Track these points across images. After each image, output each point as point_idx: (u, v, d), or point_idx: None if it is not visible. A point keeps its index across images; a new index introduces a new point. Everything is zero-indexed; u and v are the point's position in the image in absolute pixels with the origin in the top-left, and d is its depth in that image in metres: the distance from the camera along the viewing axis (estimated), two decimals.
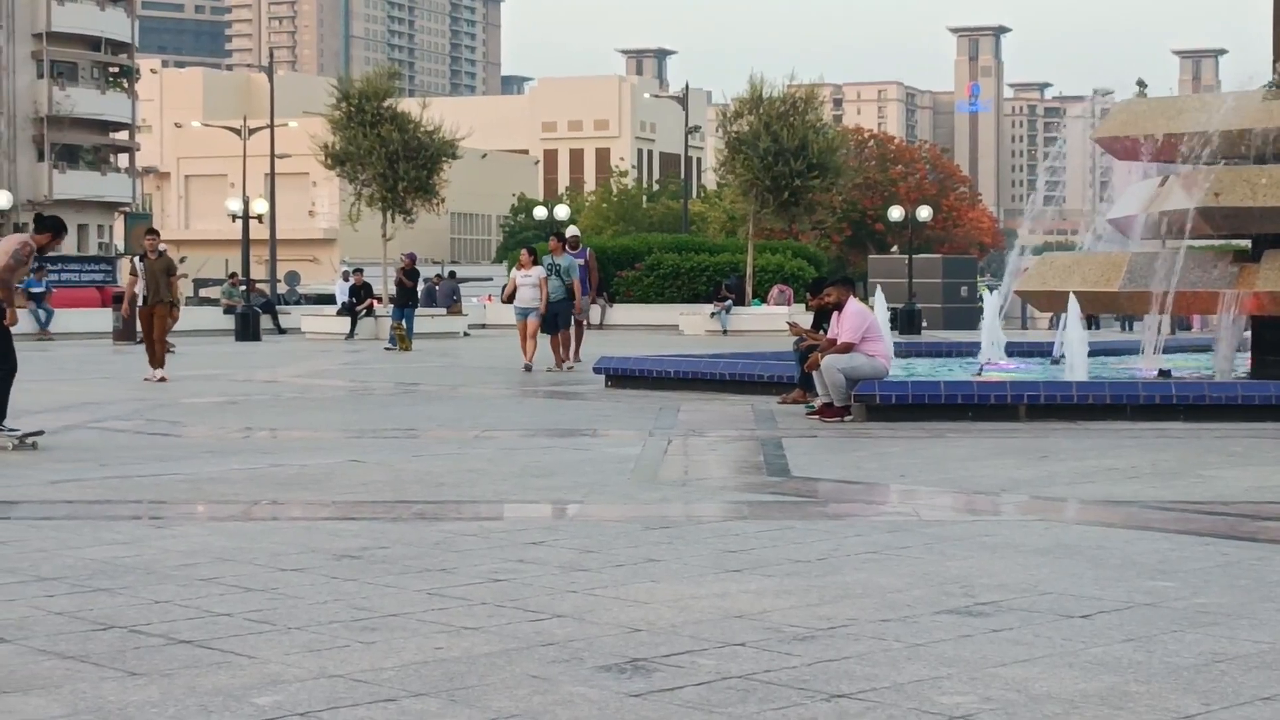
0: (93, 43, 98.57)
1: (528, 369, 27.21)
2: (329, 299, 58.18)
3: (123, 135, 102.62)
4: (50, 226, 16.54)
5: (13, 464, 13.91)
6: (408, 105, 48.79)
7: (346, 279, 47.97)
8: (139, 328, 27.91)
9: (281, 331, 48.40)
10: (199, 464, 13.89)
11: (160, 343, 25.53)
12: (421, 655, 6.73)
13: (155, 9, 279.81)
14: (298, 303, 64.06)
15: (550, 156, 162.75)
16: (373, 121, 46.76)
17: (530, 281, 27.91)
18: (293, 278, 78.12)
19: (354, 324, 44.25)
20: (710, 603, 7.86)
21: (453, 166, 49.03)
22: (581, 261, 30.89)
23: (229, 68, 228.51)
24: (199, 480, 12.80)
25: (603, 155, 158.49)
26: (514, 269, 29.50)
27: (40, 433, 15.84)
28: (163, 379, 24.80)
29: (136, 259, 26.61)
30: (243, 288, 52.06)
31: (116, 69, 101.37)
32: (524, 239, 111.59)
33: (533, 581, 8.38)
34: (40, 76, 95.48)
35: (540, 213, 62.62)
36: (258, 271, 56.07)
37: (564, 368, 27.74)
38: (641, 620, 7.44)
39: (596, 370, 23.90)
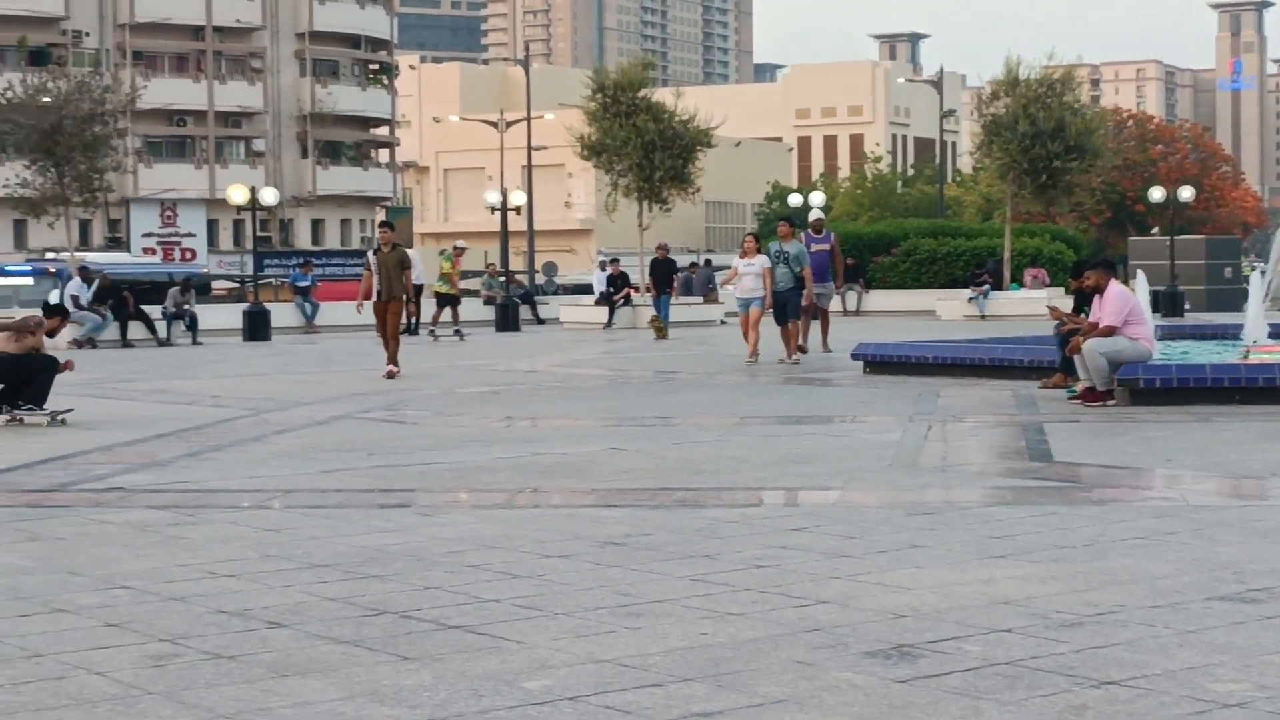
0: (353, 41, 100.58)
1: (751, 362, 26.06)
2: (586, 289, 58.67)
3: (383, 131, 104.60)
4: (58, 312, 18.53)
5: (284, 454, 14.26)
6: (662, 95, 49.01)
7: (604, 269, 48.33)
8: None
9: (540, 322, 48.91)
10: (463, 453, 14.11)
11: (394, 339, 24.50)
12: (687, 641, 6.78)
13: (413, 6, 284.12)
14: (555, 293, 64.70)
15: (804, 143, 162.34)
16: (628, 112, 47.02)
17: (753, 270, 26.26)
18: (550, 268, 78.95)
19: (611, 313, 44.57)
20: (974, 589, 7.81)
21: (707, 155, 49.13)
22: (826, 247, 29.55)
23: (485, 62, 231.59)
24: (464, 469, 13.00)
25: (856, 141, 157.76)
26: (736, 256, 27.91)
27: (70, 410, 16.53)
28: (391, 374, 24.07)
29: (370, 253, 25.37)
30: (501, 279, 52.69)
31: (376, 66, 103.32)
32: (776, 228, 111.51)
33: (796, 567, 8.39)
34: (303, 75, 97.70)
35: (795, 200, 62.48)
36: (516, 263, 56.72)
37: (793, 359, 26.00)
38: (906, 606, 7.41)
39: (854, 356, 23.80)
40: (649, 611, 7.39)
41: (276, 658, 6.62)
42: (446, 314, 41.66)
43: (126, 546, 9.42)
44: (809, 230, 29.67)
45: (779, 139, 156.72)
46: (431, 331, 40.20)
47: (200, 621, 7.33)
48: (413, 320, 40.83)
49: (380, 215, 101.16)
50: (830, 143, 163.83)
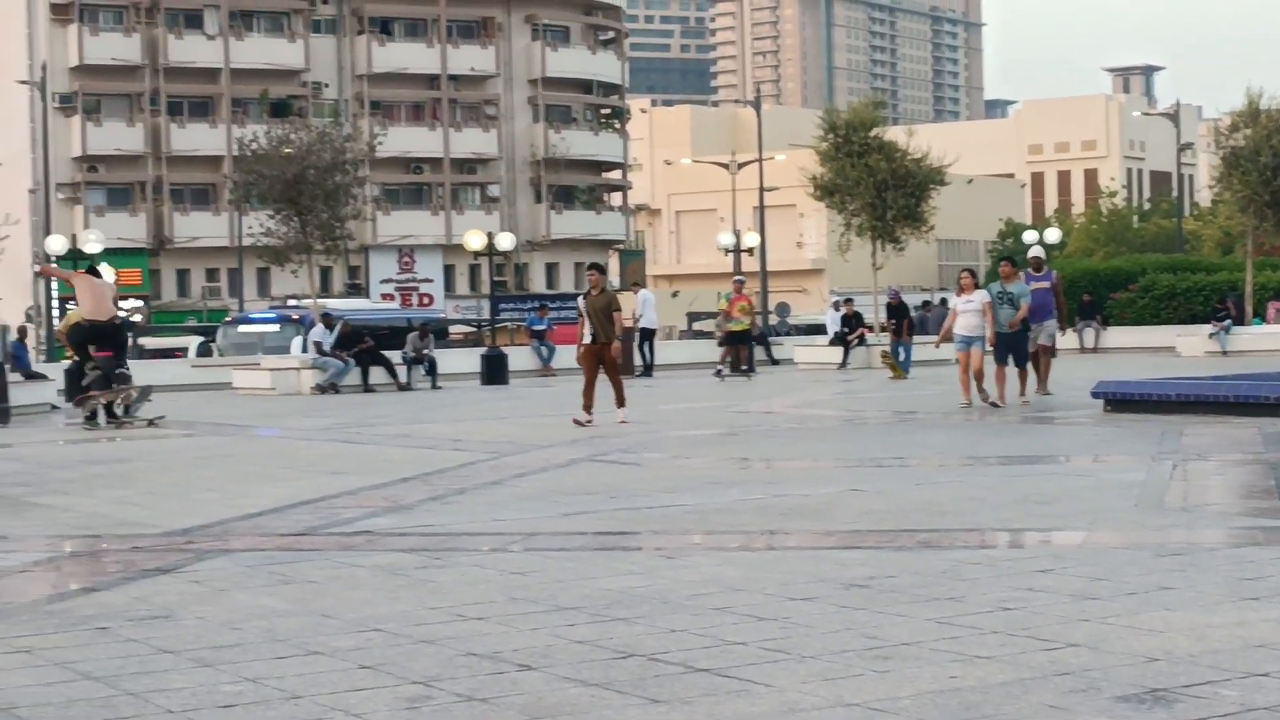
0: (585, 86, 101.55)
1: (966, 405, 24.86)
2: (819, 329, 58.55)
3: (615, 174, 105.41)
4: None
5: (529, 497, 14.41)
6: (894, 134, 48.88)
7: (837, 309, 48.22)
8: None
9: (775, 362, 48.89)
10: (702, 495, 14.16)
11: (616, 382, 23.97)
12: (936, 684, 6.74)
13: (643, 50, 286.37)
14: (788, 333, 64.66)
15: (1037, 179, 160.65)
16: (860, 152, 47.00)
17: (973, 307, 25.01)
18: (783, 309, 78.90)
19: (846, 353, 44.44)
20: (1228, 631, 7.67)
21: (940, 193, 48.89)
22: (1046, 285, 27.81)
23: (715, 104, 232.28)
24: (704, 511, 13.04)
25: (1091, 176, 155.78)
26: (953, 295, 26.54)
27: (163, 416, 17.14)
28: (590, 422, 23.23)
29: (581, 298, 24.38)
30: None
31: (608, 110, 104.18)
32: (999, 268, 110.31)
33: (1043, 610, 8.31)
34: (536, 121, 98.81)
35: (1029, 236, 61.88)
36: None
37: (1021, 401, 25.37)
38: (1158, 649, 7.31)
39: (1094, 395, 23.48)
40: (896, 654, 7.36)
41: (528, 700, 6.70)
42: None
43: (377, 589, 9.59)
44: (1029, 269, 28.44)
45: (1011, 175, 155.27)
46: (719, 371, 40.08)
47: (452, 664, 7.44)
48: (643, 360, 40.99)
49: (614, 258, 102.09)
50: (1064, 178, 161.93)
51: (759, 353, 47.73)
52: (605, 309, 23.70)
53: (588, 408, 23.36)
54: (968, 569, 9.69)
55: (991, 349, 25.26)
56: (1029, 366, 26.35)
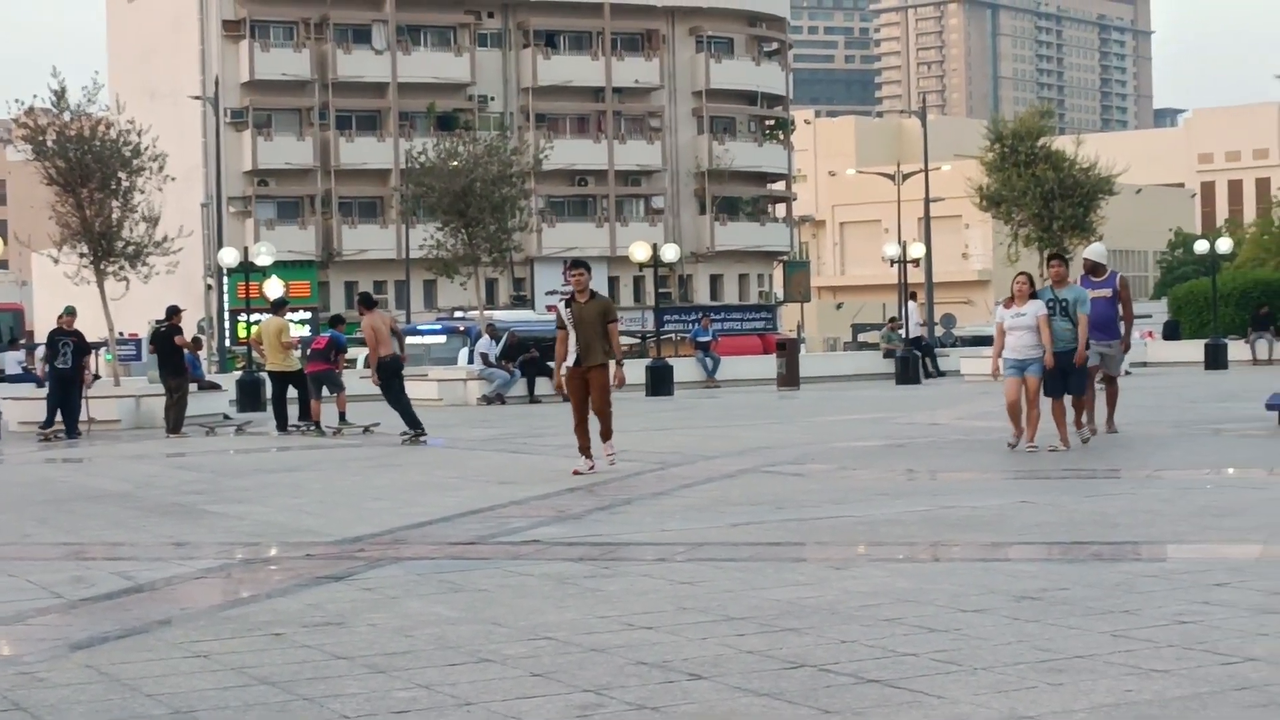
0: (749, 97, 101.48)
1: (1012, 446, 19.66)
2: (985, 340, 58.06)
3: (779, 185, 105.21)
4: None
5: (696, 508, 14.41)
6: (1061, 143, 48.39)
7: None
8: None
9: (940, 374, 48.56)
10: (871, 506, 14.09)
11: (602, 414, 18.43)
12: (1111, 697, 6.66)
13: (807, 61, 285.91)
14: (954, 345, 64.23)
15: (1207, 188, 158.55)
16: (1027, 161, 46.56)
17: (1025, 323, 19.45)
18: (949, 320, 78.40)
19: None
20: None
21: (1108, 203, 48.33)
22: (1108, 293, 21.83)
23: (879, 114, 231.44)
24: (873, 522, 12.97)
25: (1262, 185, 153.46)
26: (999, 307, 20.68)
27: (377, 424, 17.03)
28: (592, 468, 18.14)
29: (560, 305, 18.80)
30: (901, 332, 52.51)
31: (772, 121, 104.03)
32: (1182, 274, 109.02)
33: (1220, 624, 8.18)
34: (700, 133, 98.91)
35: (1201, 246, 61.03)
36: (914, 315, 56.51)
37: (1082, 438, 20.32)
38: None
39: (1269, 407, 23.06)
40: (1070, 667, 7.28)
41: (698, 709, 6.70)
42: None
43: (546, 598, 9.63)
44: (1085, 274, 22.24)
45: (1181, 184, 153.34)
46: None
47: (622, 672, 7.46)
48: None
49: (778, 269, 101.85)
50: (1235, 187, 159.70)
51: (925, 364, 47.47)
52: (598, 319, 18.35)
53: (585, 450, 18.36)
54: (1141, 582, 9.56)
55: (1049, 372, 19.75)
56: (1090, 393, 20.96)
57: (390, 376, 25.29)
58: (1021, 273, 20.11)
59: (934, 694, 6.83)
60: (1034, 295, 19.70)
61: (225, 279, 67.88)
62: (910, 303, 49.50)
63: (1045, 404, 19.54)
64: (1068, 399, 19.96)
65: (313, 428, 28.05)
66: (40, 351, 35.48)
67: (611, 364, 18.30)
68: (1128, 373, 43.45)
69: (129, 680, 7.58)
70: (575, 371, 18.25)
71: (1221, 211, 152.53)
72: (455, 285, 52.60)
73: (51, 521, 15.04)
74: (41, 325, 68.37)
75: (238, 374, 42.24)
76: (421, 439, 24.79)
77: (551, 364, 37.14)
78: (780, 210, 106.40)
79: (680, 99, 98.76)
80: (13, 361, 58.29)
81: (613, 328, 18.35)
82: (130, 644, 8.54)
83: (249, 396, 36.88)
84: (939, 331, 72.50)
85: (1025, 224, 46.75)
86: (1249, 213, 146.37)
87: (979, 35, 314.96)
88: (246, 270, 42.74)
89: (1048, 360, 19.39)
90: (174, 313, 29.52)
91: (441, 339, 55.70)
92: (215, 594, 10.61)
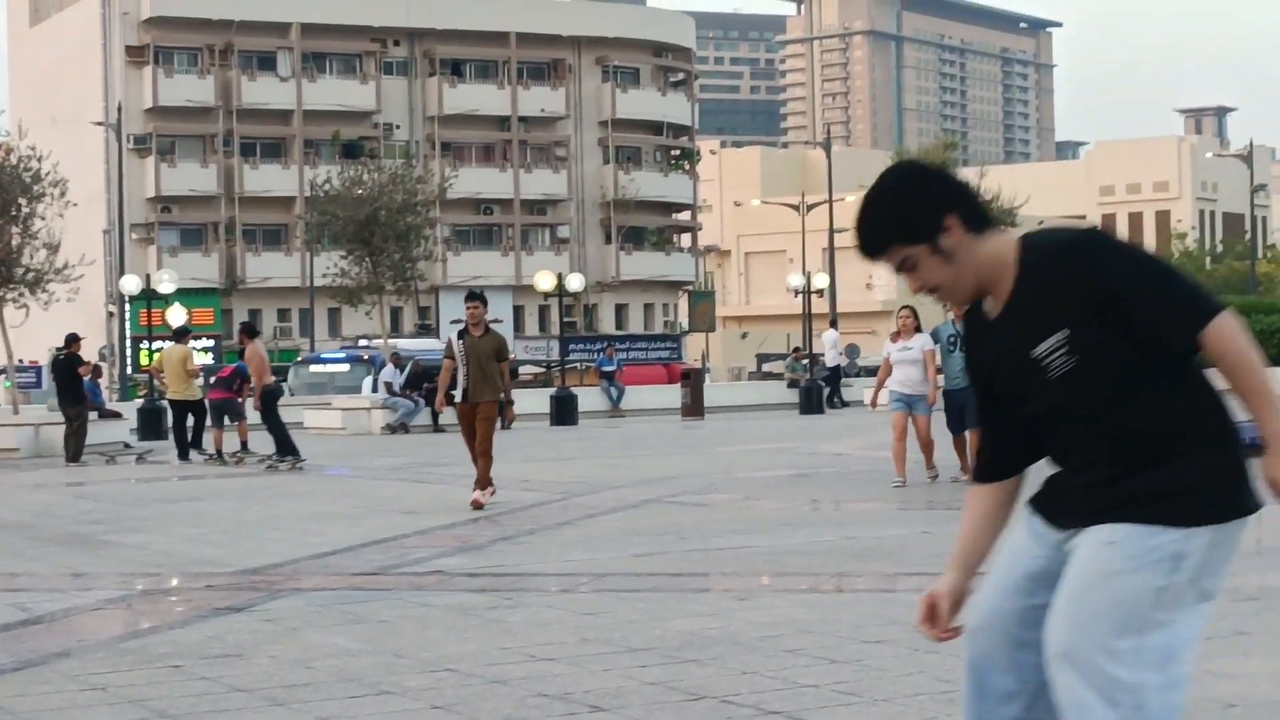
0: (655, 127, 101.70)
1: (901, 484, 19.02)
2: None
3: (685, 215, 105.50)
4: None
5: (600, 538, 14.41)
6: (965, 174, 48.82)
7: None
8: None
9: (844, 404, 48.77)
10: (775, 537, 14.13)
11: (485, 454, 17.72)
12: None
13: (713, 91, 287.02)
14: (857, 375, 64.51)
15: (1108, 220, 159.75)
16: None
17: (910, 356, 19.25)
18: (852, 350, 78.70)
19: None
20: None
21: None
22: None
23: (785, 145, 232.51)
24: (777, 552, 13.01)
25: (1162, 218, 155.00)
26: (887, 341, 20.70)
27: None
28: (476, 504, 17.39)
29: (454, 336, 18.22)
30: (805, 362, 52.73)
31: (678, 151, 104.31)
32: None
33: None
34: (606, 162, 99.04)
35: None
36: (818, 345, 56.81)
37: (967, 477, 18.11)
38: None
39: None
40: None
41: None
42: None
43: (448, 629, 9.60)
44: None
45: (1083, 216, 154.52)
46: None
47: (524, 704, 7.44)
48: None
49: (683, 299, 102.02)
50: (1135, 219, 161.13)
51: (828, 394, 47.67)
52: (491, 355, 17.84)
53: (480, 482, 17.81)
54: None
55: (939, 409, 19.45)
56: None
57: (272, 402, 26.40)
58: (905, 306, 19.86)
59: None
60: (934, 331, 19.39)
61: (127, 306, 67.29)
62: (831, 330, 49.51)
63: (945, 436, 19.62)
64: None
65: (214, 456, 27.94)
66: None
67: (502, 402, 18.04)
68: None
69: (25, 714, 7.50)
70: (464, 408, 17.87)
71: None
72: (360, 314, 52.43)
73: None
74: None
75: (139, 402, 41.88)
76: (300, 465, 25.77)
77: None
78: (686, 240, 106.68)
79: (586, 128, 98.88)
80: None
81: (504, 366, 17.95)
82: (26, 677, 8.45)
83: (150, 425, 36.62)
84: (844, 361, 72.80)
85: None
86: (1150, 244, 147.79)
87: (884, 67, 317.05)
88: (149, 297, 42.45)
89: (931, 397, 19.18)
90: (73, 340, 29.32)
91: (345, 368, 55.38)
92: (114, 625, 10.51)
